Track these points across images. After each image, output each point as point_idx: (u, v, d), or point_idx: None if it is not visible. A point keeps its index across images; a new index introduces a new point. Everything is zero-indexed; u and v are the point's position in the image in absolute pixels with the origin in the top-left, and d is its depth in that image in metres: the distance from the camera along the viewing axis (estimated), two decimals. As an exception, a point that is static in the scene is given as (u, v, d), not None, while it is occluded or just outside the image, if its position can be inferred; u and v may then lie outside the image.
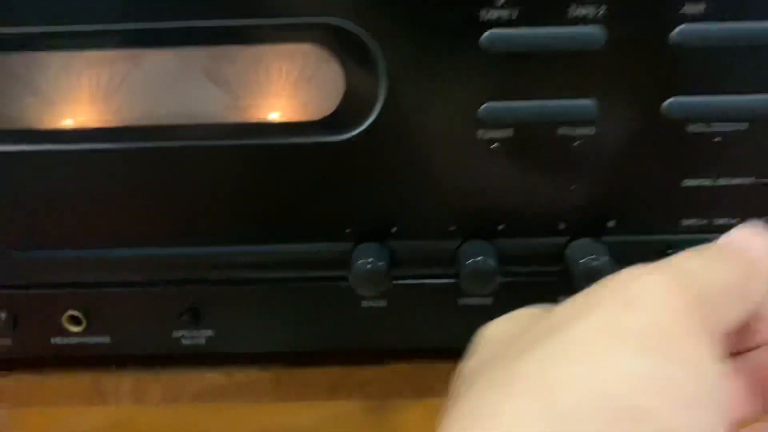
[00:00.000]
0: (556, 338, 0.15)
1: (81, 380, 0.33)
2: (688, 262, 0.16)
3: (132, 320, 0.30)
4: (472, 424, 0.14)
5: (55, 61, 0.26)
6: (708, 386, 0.14)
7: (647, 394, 0.13)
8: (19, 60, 0.26)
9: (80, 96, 0.27)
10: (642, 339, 0.14)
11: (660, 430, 0.13)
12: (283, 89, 0.27)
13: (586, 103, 0.25)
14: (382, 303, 0.29)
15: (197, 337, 0.30)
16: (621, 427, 0.13)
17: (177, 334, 0.30)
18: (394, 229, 0.28)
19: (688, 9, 0.24)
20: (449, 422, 0.15)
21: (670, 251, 0.27)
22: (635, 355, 0.13)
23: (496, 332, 0.18)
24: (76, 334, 0.30)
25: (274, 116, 0.27)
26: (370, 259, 0.27)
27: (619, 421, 0.13)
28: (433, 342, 0.30)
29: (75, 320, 0.30)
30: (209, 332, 0.30)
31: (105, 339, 0.30)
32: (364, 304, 0.29)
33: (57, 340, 0.30)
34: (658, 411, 0.13)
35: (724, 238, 0.18)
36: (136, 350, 0.31)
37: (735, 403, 0.18)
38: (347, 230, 0.28)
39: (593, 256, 0.27)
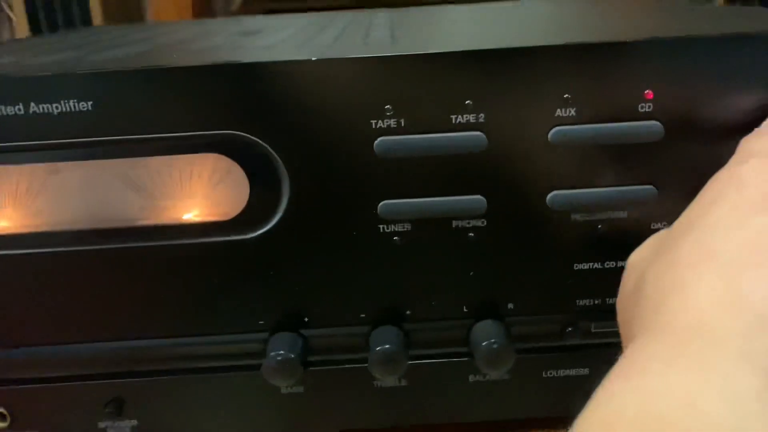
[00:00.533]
0: (700, 225, 0.19)
1: (9, 473, 0.33)
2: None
3: (57, 414, 0.31)
4: (662, 301, 0.17)
5: (-25, 172, 0.28)
6: None
7: None
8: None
9: (0, 202, 0.28)
10: (764, 202, 0.18)
11: None
12: (195, 192, 0.28)
13: (476, 198, 0.27)
14: (299, 389, 0.30)
15: (122, 427, 0.31)
16: None
17: (102, 425, 0.31)
18: (306, 319, 0.29)
19: (560, 113, 0.26)
20: (637, 323, 0.18)
21: (569, 329, 0.30)
22: (763, 215, 0.18)
23: (640, 254, 0.22)
24: (1, 430, 0.31)
25: (189, 216, 0.29)
26: (281, 351, 0.28)
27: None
28: (353, 423, 0.31)
29: (0, 417, 0.31)
30: (134, 422, 0.31)
31: (31, 433, 0.31)
32: (283, 390, 0.30)
33: (-18, 437, 0.31)
34: None
35: None
36: (63, 443, 0.31)
37: None
38: (261, 322, 0.29)
39: (493, 340, 0.28)
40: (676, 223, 0.20)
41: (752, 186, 0.19)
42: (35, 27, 0.91)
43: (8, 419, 0.31)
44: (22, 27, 0.92)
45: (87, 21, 0.91)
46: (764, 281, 0.16)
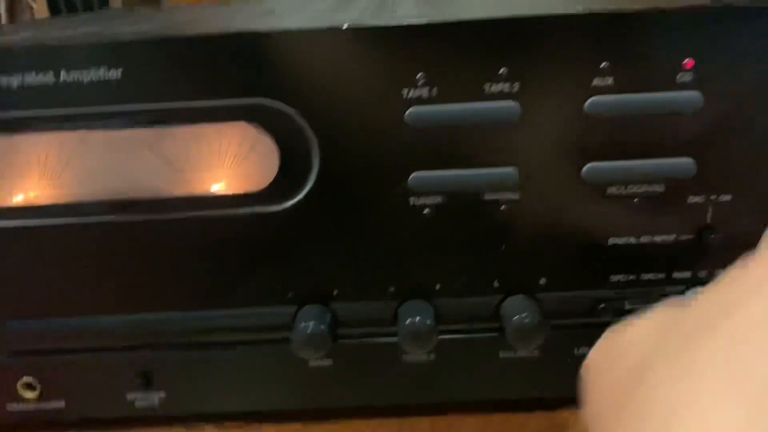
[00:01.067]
0: (726, 327, 0.15)
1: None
2: None
3: (86, 385, 0.31)
4: (673, 415, 0.14)
5: (2, 142, 0.28)
6: None
7: None
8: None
9: (28, 172, 0.28)
10: None
11: None
12: (223, 163, 0.28)
13: (508, 171, 0.27)
14: (328, 362, 0.30)
15: (150, 399, 0.31)
16: None
17: (131, 396, 0.31)
18: (335, 292, 0.29)
19: (597, 83, 0.26)
20: (634, 420, 0.15)
21: (602, 305, 0.29)
22: None
23: (644, 328, 0.18)
24: (31, 401, 0.31)
25: (217, 188, 0.28)
26: (310, 323, 0.28)
27: None
28: (381, 398, 0.31)
29: (29, 387, 0.31)
30: (162, 394, 0.31)
31: (60, 404, 0.31)
32: (311, 363, 0.30)
33: (12, 407, 0.31)
34: None
35: None
36: (92, 414, 0.32)
37: None
38: (289, 294, 0.29)
39: (525, 314, 0.28)
40: (695, 306, 0.17)
41: None
42: (55, 12, 0.91)
43: (37, 389, 0.31)
44: (41, 12, 0.93)
45: (105, 6, 0.91)
46: None
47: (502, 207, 0.27)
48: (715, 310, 0.16)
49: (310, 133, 0.26)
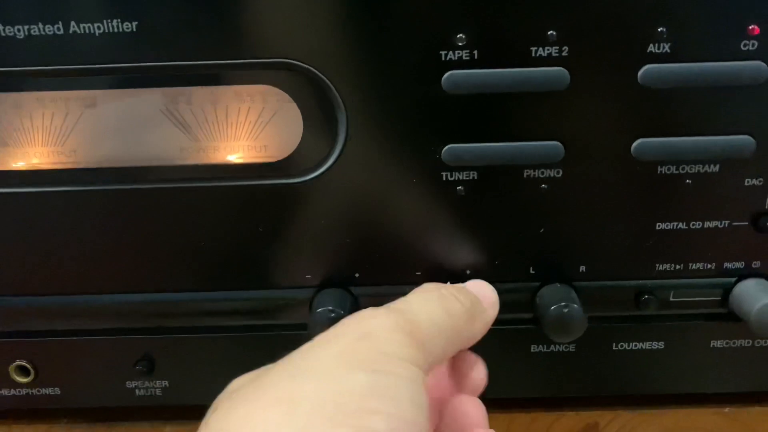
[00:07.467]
0: (298, 360, 0.19)
1: (30, 434, 0.31)
2: (410, 306, 0.21)
3: (83, 370, 0.29)
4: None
5: (6, 101, 0.26)
6: (412, 388, 0.18)
7: (372, 398, 0.17)
8: (-31, 101, 0.26)
9: (33, 137, 0.26)
10: (369, 360, 0.18)
11: (385, 425, 0.17)
12: (242, 130, 0.26)
13: (552, 144, 0.25)
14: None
15: (152, 387, 0.29)
16: (349, 423, 0.16)
17: (131, 384, 0.29)
18: (357, 275, 0.27)
19: (653, 49, 0.24)
20: None
21: (645, 297, 0.27)
22: (363, 372, 0.18)
23: (239, 381, 0.21)
24: (24, 386, 0.29)
25: (234, 157, 0.26)
26: (330, 307, 0.25)
27: (348, 418, 0.16)
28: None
29: (23, 371, 0.28)
30: (165, 383, 0.29)
31: (55, 390, 0.29)
32: (328, 353, 0.28)
33: (4, 392, 0.29)
34: (380, 409, 0.17)
35: (463, 285, 0.24)
36: (89, 402, 0.29)
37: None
38: (308, 276, 0.27)
39: (563, 304, 0.25)
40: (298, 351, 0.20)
41: (370, 342, 0.19)
42: None
43: (31, 374, 0.28)
44: None
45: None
46: None
47: (543, 185, 0.25)
48: (288, 358, 0.19)
49: (337, 98, 0.24)
